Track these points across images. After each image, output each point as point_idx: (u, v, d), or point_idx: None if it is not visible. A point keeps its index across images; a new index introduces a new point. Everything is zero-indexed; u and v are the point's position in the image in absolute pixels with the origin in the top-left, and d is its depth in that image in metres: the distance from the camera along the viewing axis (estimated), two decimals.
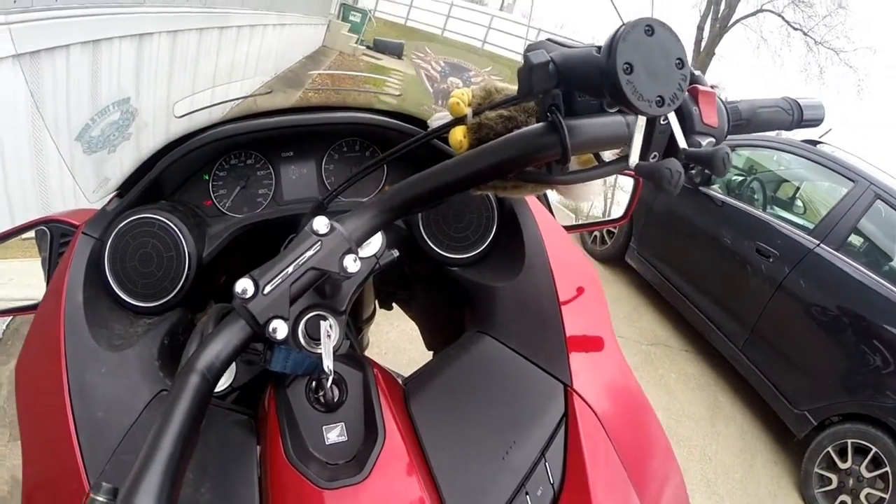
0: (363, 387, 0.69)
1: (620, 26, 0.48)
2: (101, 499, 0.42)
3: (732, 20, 17.32)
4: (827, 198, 4.16)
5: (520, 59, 0.56)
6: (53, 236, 1.17)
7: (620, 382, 0.85)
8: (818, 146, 4.15)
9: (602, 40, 0.50)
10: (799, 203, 4.48)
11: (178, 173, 0.99)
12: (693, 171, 0.60)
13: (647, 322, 4.74)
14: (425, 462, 0.67)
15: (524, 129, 0.59)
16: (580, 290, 0.90)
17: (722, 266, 4.23)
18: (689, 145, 0.56)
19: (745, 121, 0.66)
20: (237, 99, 0.99)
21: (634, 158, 0.55)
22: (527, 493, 0.67)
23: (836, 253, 3.59)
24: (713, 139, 0.58)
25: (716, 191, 4.44)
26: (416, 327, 1.37)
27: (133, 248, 0.87)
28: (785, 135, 4.33)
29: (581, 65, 0.52)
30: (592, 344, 0.86)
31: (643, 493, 0.74)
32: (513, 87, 0.67)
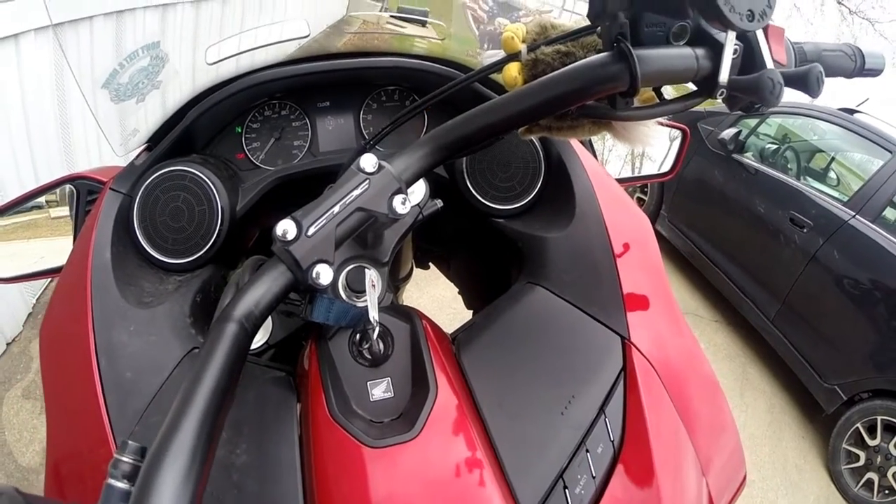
0: (411, 339, 0.66)
1: None
2: (126, 459, 0.39)
3: None
4: (862, 169, 4.05)
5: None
6: (80, 194, 1.15)
7: (678, 337, 0.81)
8: (855, 115, 4.02)
9: None
10: (833, 174, 4.36)
11: (209, 125, 0.95)
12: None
13: (676, 291, 4.64)
14: (479, 418, 0.64)
15: (588, 58, 0.55)
16: (634, 241, 0.86)
17: (754, 235, 4.14)
18: None
19: (809, 62, 0.62)
20: (272, 44, 0.96)
21: (725, 76, 0.52)
22: (587, 451, 0.64)
23: (871, 225, 3.49)
24: None
25: (749, 158, 4.35)
26: (446, 294, 1.33)
27: (163, 202, 0.84)
28: (819, 102, 4.21)
29: None
30: (648, 296, 0.82)
31: (700, 451, 0.71)
32: (569, 24, 0.63)
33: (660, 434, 0.67)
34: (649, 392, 0.70)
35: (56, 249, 1.19)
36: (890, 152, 3.64)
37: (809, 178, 4.25)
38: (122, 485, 0.38)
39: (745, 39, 0.54)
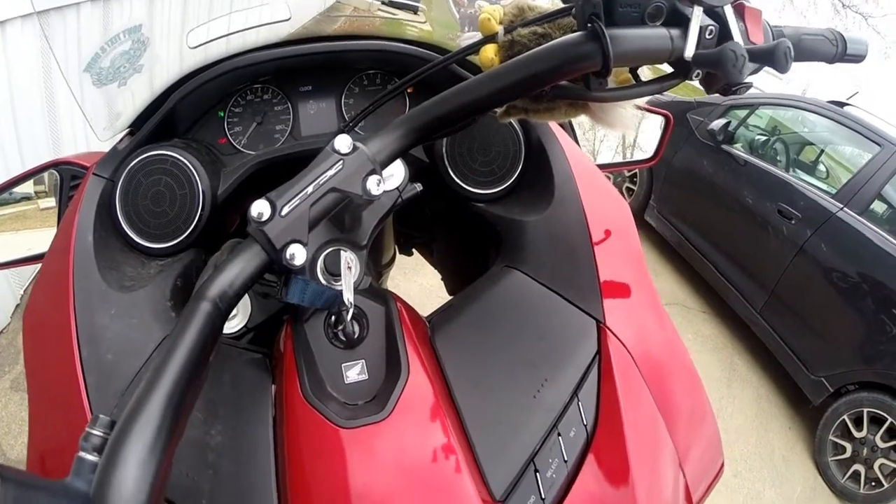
0: (385, 321, 0.66)
1: None
2: (96, 432, 0.39)
3: None
4: (850, 162, 4.07)
5: None
6: (64, 179, 1.15)
7: (655, 323, 0.81)
8: (845, 108, 4.04)
9: None
10: (822, 167, 4.38)
11: (191, 109, 0.95)
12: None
13: (664, 281, 4.71)
14: (451, 400, 0.64)
15: (562, 38, 0.55)
16: (613, 227, 0.86)
17: (742, 227, 4.16)
18: None
19: None
20: (253, 27, 0.95)
21: (690, 50, 0.52)
22: (559, 435, 0.64)
23: (859, 218, 3.51)
24: None
25: (739, 149, 4.36)
26: (433, 282, 1.34)
27: (145, 186, 0.84)
28: (810, 93, 4.23)
29: None
30: (626, 281, 0.82)
31: (676, 438, 0.71)
32: (546, 6, 0.63)
33: (634, 418, 0.67)
34: (624, 376, 0.70)
35: (43, 238, 1.19)
36: (879, 145, 3.66)
37: (798, 171, 4.27)
38: (91, 457, 0.38)
39: (719, 19, 0.54)
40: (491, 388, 0.66)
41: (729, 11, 0.54)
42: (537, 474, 0.61)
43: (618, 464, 0.64)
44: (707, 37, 0.54)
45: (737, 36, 0.53)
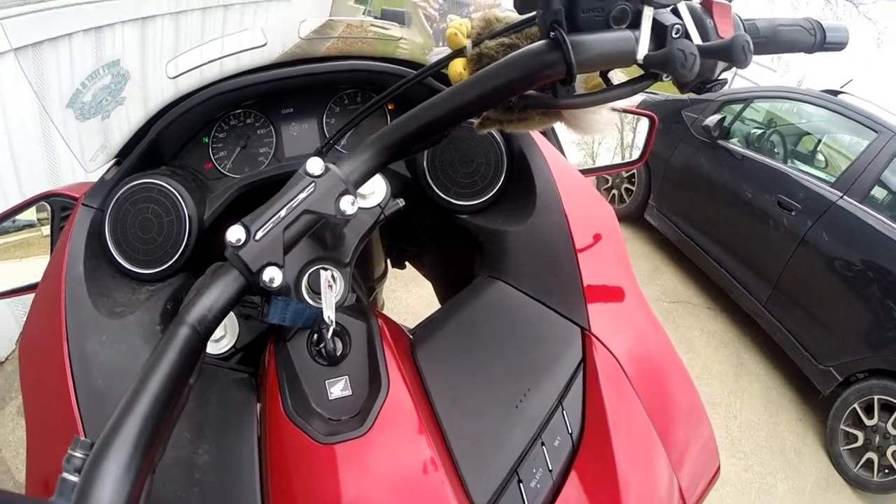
0: (367, 338, 0.67)
1: None
2: (77, 454, 0.41)
3: None
4: (849, 150, 4.05)
5: None
6: (55, 210, 1.16)
7: (643, 328, 0.81)
8: (839, 96, 4.03)
9: None
10: (820, 157, 4.37)
11: (176, 137, 0.96)
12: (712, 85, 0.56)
13: (668, 280, 4.70)
14: (433, 412, 0.64)
15: (524, 48, 0.55)
16: (597, 233, 0.86)
17: (743, 221, 4.16)
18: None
19: (763, 38, 0.62)
20: (232, 54, 0.96)
21: (642, 52, 0.52)
22: (543, 444, 0.64)
23: (859, 205, 3.51)
24: None
25: (735, 144, 4.36)
26: (434, 294, 1.34)
27: (133, 214, 0.85)
28: (806, 84, 4.23)
29: None
30: (611, 286, 0.82)
31: (669, 443, 0.71)
32: (514, 16, 0.63)
33: (622, 425, 0.67)
34: (610, 383, 0.70)
35: (39, 267, 1.20)
36: (875, 131, 3.66)
37: (796, 162, 4.26)
38: (73, 478, 0.40)
39: (687, 17, 0.54)
40: (472, 399, 0.66)
41: (684, 9, 0.54)
42: (521, 485, 0.61)
43: (605, 471, 0.64)
44: (674, 36, 0.53)
45: (694, 34, 0.53)
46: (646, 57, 0.51)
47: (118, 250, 0.85)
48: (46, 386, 0.72)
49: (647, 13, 0.52)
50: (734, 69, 0.59)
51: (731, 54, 0.48)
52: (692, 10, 0.55)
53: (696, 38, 0.53)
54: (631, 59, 0.54)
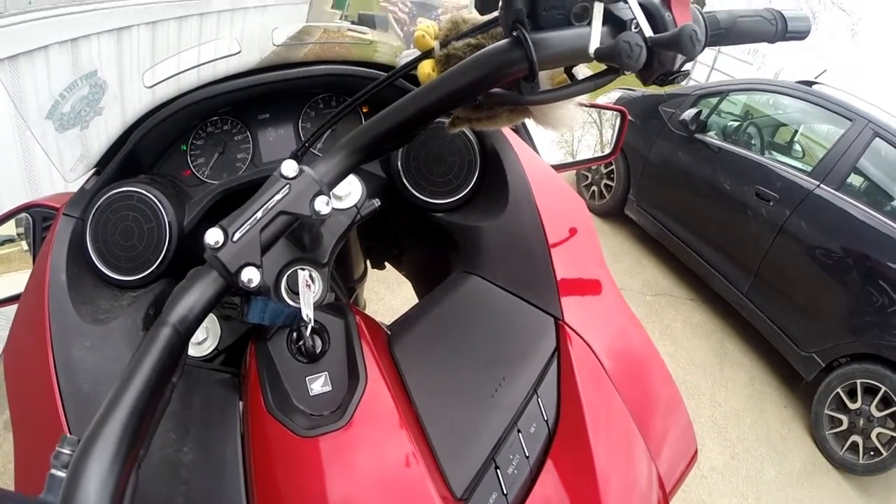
0: (345, 334, 0.68)
1: None
2: (65, 451, 0.42)
3: None
4: (825, 140, 4.10)
5: None
6: (36, 221, 1.16)
7: (616, 316, 0.83)
8: (814, 87, 4.08)
9: None
10: (797, 147, 4.43)
11: (154, 145, 0.97)
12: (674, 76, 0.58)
13: (650, 273, 4.74)
14: (410, 404, 0.66)
15: (487, 47, 0.57)
16: (568, 225, 0.88)
17: (722, 212, 4.20)
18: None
19: (724, 30, 0.63)
20: (207, 62, 0.97)
21: (593, 46, 0.53)
22: (519, 431, 0.66)
23: (836, 193, 3.56)
24: None
25: (712, 137, 4.41)
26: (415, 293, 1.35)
27: (114, 223, 0.86)
28: (783, 76, 4.28)
29: None
30: (584, 277, 0.84)
31: (645, 425, 0.73)
32: (480, 17, 0.65)
33: (596, 411, 0.69)
34: (584, 371, 0.71)
35: (24, 278, 1.20)
36: (850, 120, 3.71)
37: (774, 152, 4.32)
38: (60, 473, 0.41)
39: (646, 11, 0.55)
40: (449, 390, 0.68)
41: (634, 2, 0.54)
42: (498, 471, 0.63)
43: (581, 456, 0.66)
44: (633, 30, 0.54)
45: (646, 26, 0.54)
46: (596, 50, 0.52)
47: (100, 258, 0.85)
48: (32, 393, 0.73)
49: (598, 9, 0.53)
50: (713, 63, 0.60)
51: (679, 44, 0.49)
52: (647, 4, 0.56)
53: (648, 31, 0.54)
54: (587, 54, 0.56)
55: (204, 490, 0.62)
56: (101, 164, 0.95)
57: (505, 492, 0.62)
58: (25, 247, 1.24)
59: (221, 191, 0.97)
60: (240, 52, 0.95)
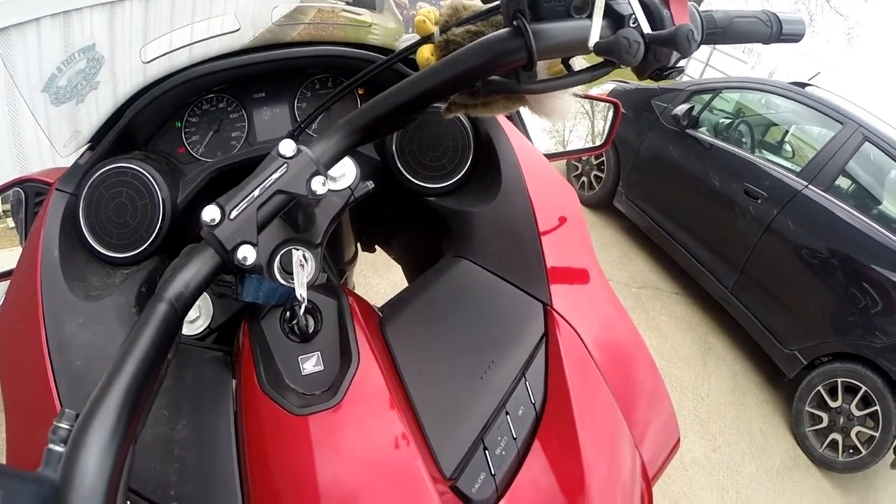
0: (338, 314, 0.69)
1: None
2: (63, 425, 0.42)
3: None
4: (815, 141, 4.15)
5: None
6: (28, 196, 1.15)
7: (604, 305, 0.84)
8: (806, 88, 4.12)
9: None
10: (788, 147, 4.47)
11: (149, 121, 0.96)
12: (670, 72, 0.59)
13: (637, 265, 4.76)
14: (401, 384, 0.67)
15: (488, 35, 0.57)
16: (559, 214, 0.89)
17: (710, 208, 4.23)
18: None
19: (720, 29, 0.64)
20: (205, 39, 0.97)
21: (592, 40, 0.53)
22: (507, 414, 0.67)
23: (824, 194, 3.60)
24: None
25: (704, 133, 4.43)
26: (404, 279, 1.36)
27: (107, 199, 0.86)
28: (777, 76, 4.30)
29: None
30: (573, 265, 0.85)
31: (629, 412, 0.74)
32: (480, 4, 0.65)
33: (583, 396, 0.70)
34: (571, 356, 0.73)
35: (11, 256, 1.19)
36: (841, 123, 3.74)
37: (764, 151, 4.35)
38: (59, 448, 0.41)
39: (645, 7, 0.56)
40: (439, 372, 0.69)
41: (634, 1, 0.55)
42: (486, 452, 0.64)
43: (567, 439, 0.67)
44: (631, 25, 0.55)
45: (644, 23, 0.55)
46: (596, 44, 0.53)
47: (93, 235, 0.85)
48: (24, 369, 0.72)
49: (600, 3, 0.53)
50: (707, 60, 0.61)
51: (676, 42, 0.50)
52: (646, 1, 0.57)
53: (646, 27, 0.55)
54: (585, 46, 0.57)
55: (197, 467, 0.62)
56: (95, 140, 0.94)
57: (493, 472, 0.63)
58: (11, 224, 1.22)
59: (216, 169, 0.97)
60: (238, 29, 0.94)
